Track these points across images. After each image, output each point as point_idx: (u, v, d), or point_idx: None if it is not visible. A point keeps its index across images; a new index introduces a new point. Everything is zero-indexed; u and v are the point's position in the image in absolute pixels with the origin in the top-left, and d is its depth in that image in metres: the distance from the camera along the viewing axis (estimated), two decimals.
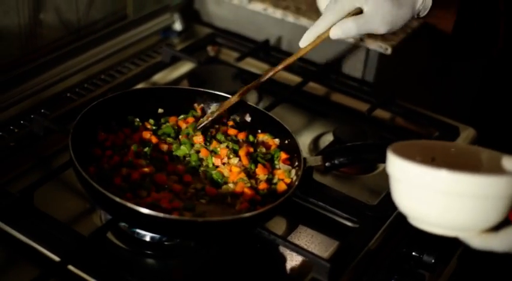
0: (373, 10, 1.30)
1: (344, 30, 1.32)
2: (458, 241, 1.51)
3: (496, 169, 1.01)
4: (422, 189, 0.97)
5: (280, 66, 1.40)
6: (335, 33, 1.32)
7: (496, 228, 0.98)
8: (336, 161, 1.38)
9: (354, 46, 1.87)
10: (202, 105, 1.50)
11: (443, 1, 1.40)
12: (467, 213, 0.96)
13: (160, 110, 1.48)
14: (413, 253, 1.42)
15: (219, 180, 1.33)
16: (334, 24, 1.32)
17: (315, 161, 1.38)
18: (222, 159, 1.37)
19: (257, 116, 1.48)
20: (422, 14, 1.38)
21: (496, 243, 0.97)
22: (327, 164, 1.37)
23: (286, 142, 1.42)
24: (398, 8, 1.32)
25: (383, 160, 1.50)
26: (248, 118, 1.49)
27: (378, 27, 1.32)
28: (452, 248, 1.59)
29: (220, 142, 1.40)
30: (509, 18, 1.47)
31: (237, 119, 1.49)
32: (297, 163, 1.38)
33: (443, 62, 2.25)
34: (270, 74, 1.42)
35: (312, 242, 1.35)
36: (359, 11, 1.32)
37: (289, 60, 1.40)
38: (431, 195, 0.96)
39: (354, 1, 1.31)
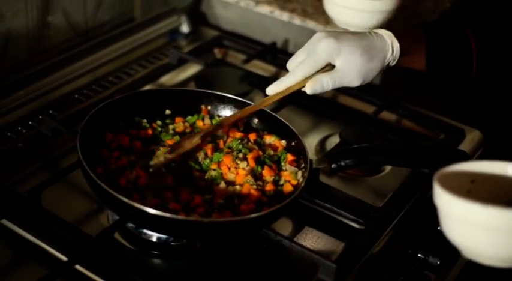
0: (346, 65, 1.34)
1: (322, 85, 1.34)
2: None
3: None
4: (466, 223, 0.96)
5: (237, 115, 1.42)
6: (313, 89, 1.35)
7: None
8: (342, 163, 1.38)
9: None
10: (209, 107, 1.51)
11: (410, 48, 1.43)
12: None
13: (167, 112, 1.48)
14: (419, 255, 1.42)
15: (217, 179, 1.34)
16: (305, 78, 1.35)
17: (321, 162, 1.38)
18: (229, 167, 1.37)
19: (264, 118, 1.48)
20: (392, 64, 1.41)
21: None
22: (333, 165, 1.38)
23: (293, 143, 1.43)
24: (369, 61, 1.36)
25: (388, 162, 1.51)
26: (255, 120, 1.49)
27: (351, 80, 1.35)
28: (457, 251, 1.59)
29: (232, 149, 1.40)
30: (479, 42, 1.48)
31: (244, 120, 1.49)
32: (303, 165, 1.38)
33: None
34: (231, 120, 1.42)
35: (318, 243, 1.35)
36: (330, 68, 1.35)
37: (248, 110, 1.41)
38: (477, 230, 0.95)
39: (326, 57, 1.34)
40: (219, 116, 1.50)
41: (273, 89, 1.37)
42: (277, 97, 1.37)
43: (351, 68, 1.34)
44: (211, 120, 1.49)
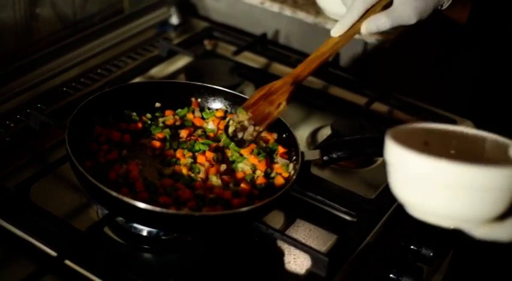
0: (404, 2, 1.32)
1: (378, 26, 1.33)
2: (456, 234, 1.51)
3: (500, 157, 0.97)
4: (421, 179, 0.94)
5: (308, 69, 1.40)
6: (370, 28, 1.34)
7: (501, 217, 0.94)
8: (334, 155, 1.37)
9: (352, 39, 1.86)
10: (199, 99, 1.49)
11: None
12: (470, 205, 0.92)
13: (157, 104, 1.47)
14: (412, 247, 1.41)
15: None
16: (364, 15, 1.34)
17: (312, 155, 1.38)
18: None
19: None
20: (445, 6, 1.38)
21: (502, 233, 0.94)
22: (324, 158, 1.37)
23: (284, 136, 1.42)
24: None
25: (381, 153, 1.50)
26: None
27: (409, 18, 1.33)
28: (450, 242, 1.59)
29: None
30: None
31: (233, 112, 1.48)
32: (294, 157, 1.37)
33: (443, 54, 2.25)
34: (303, 74, 1.40)
35: (310, 236, 1.34)
36: (387, 2, 1.34)
37: (316, 59, 1.39)
38: (431, 186, 0.93)
39: None
40: (209, 109, 1.49)
41: (338, 29, 1.36)
42: (344, 40, 1.37)
43: (407, 6, 1.32)
44: (201, 112, 1.47)
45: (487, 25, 1.50)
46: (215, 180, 1.29)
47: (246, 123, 1.35)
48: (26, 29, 1.65)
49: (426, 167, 0.92)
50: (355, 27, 1.36)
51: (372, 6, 1.34)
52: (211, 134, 1.43)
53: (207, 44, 1.91)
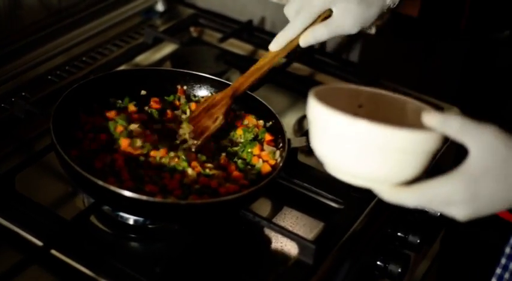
0: (343, 13, 1.32)
1: (316, 37, 1.34)
2: (442, 221, 1.52)
3: (418, 122, 0.99)
4: (337, 137, 0.96)
5: (248, 81, 1.40)
6: (306, 41, 1.34)
7: (410, 182, 0.97)
8: None
9: None
10: (185, 86, 1.49)
11: None
12: (381, 165, 0.95)
13: (143, 92, 1.46)
14: (399, 234, 1.41)
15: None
16: (306, 28, 1.34)
17: (299, 142, 1.37)
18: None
19: (240, 97, 1.47)
20: (392, 7, 1.38)
21: (407, 197, 0.96)
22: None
23: (271, 123, 1.41)
24: (368, 7, 1.33)
25: None
26: None
27: (349, 29, 1.34)
28: (437, 229, 1.59)
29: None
30: None
31: None
32: (281, 144, 1.37)
33: (430, 40, 2.25)
34: (242, 88, 1.40)
35: (297, 223, 1.34)
36: (327, 15, 1.34)
37: (262, 67, 1.40)
38: (346, 144, 0.95)
39: (324, 4, 1.32)
40: (195, 96, 1.49)
41: (277, 45, 1.37)
42: (283, 52, 1.37)
43: (350, 15, 1.32)
44: (186, 100, 1.47)
45: (438, 17, 1.51)
46: (191, 172, 1.28)
47: (186, 136, 1.36)
48: (9, 17, 1.64)
49: (342, 126, 0.95)
50: (293, 41, 1.36)
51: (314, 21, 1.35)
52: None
53: (193, 31, 1.90)
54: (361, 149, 0.94)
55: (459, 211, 0.94)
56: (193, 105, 1.44)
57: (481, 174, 0.91)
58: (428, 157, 0.96)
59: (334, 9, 1.33)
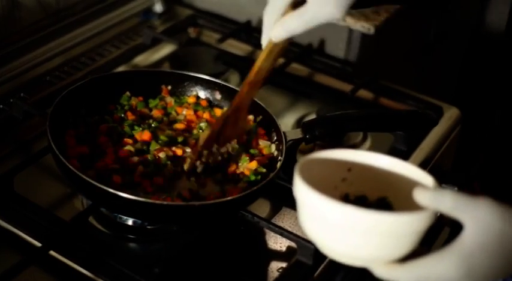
0: None
1: (287, 29, 1.13)
2: (444, 224, 1.52)
3: (409, 185, 0.96)
4: (325, 220, 0.92)
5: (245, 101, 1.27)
6: (277, 35, 1.14)
7: (405, 259, 0.93)
8: (317, 132, 1.36)
9: (337, 26, 1.85)
10: (169, 86, 1.48)
11: None
12: (372, 248, 0.91)
13: (127, 94, 1.45)
14: None
15: None
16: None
17: (295, 134, 1.37)
18: None
19: (227, 93, 1.47)
20: None
21: (402, 275, 0.92)
22: (307, 135, 1.36)
23: (261, 117, 1.41)
24: None
25: (363, 129, 1.51)
26: (218, 95, 1.47)
27: (330, 15, 1.09)
28: (437, 230, 1.59)
29: None
30: None
31: (209, 97, 1.48)
32: (275, 138, 1.37)
33: (429, 40, 2.25)
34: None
35: (296, 224, 1.34)
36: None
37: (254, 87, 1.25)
38: (334, 227, 0.91)
39: None
40: (181, 95, 1.48)
41: (263, 43, 1.20)
42: (269, 60, 1.21)
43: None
44: (173, 100, 1.46)
45: None
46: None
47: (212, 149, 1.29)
48: (8, 18, 1.63)
49: (328, 211, 0.91)
50: (268, 46, 1.19)
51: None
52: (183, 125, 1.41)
53: (191, 32, 1.90)
54: (350, 233, 0.90)
55: None
56: (179, 110, 1.44)
57: (476, 250, 0.88)
58: (421, 234, 0.92)
59: None
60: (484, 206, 0.88)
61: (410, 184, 0.96)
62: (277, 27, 1.14)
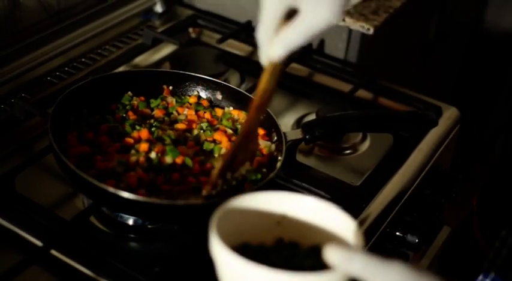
0: (311, 3, 1.02)
1: (284, 45, 1.05)
2: (442, 222, 1.52)
3: (334, 236, 0.94)
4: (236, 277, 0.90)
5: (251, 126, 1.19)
6: (277, 54, 1.06)
7: None
8: (317, 133, 1.37)
9: (336, 27, 1.86)
10: (171, 86, 1.49)
11: None
12: None
13: (129, 93, 1.46)
14: (397, 233, 1.42)
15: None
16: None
17: (295, 134, 1.37)
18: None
19: (228, 93, 1.48)
20: None
21: None
22: (307, 136, 1.37)
23: (261, 117, 1.41)
24: None
25: (362, 129, 1.51)
26: (219, 96, 1.48)
27: (328, 19, 1.02)
28: (435, 229, 1.60)
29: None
30: None
31: (211, 97, 1.49)
32: (276, 138, 1.37)
33: (428, 40, 2.25)
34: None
35: None
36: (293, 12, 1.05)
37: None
38: None
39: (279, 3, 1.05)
40: (182, 95, 1.49)
41: (264, 62, 1.13)
42: (272, 80, 1.16)
43: (319, 4, 1.01)
44: (175, 100, 1.47)
45: None
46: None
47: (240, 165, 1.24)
48: (9, 19, 1.64)
49: (236, 271, 0.89)
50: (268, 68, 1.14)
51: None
52: (184, 125, 1.41)
53: (192, 32, 1.91)
54: None
55: None
56: (180, 110, 1.44)
57: None
58: None
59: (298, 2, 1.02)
60: (396, 271, 0.84)
61: (337, 230, 0.95)
62: (275, 45, 1.06)
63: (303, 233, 0.99)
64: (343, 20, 1.82)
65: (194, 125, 1.40)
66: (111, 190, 1.16)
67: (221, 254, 0.91)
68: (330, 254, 0.87)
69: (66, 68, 1.69)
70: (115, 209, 1.28)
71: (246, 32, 1.89)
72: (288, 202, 0.99)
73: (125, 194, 1.16)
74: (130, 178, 1.24)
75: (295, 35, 1.03)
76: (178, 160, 1.29)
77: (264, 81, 1.15)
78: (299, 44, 1.04)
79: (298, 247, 0.98)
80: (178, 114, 1.43)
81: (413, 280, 0.84)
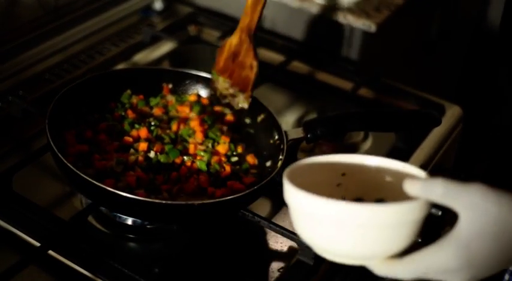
0: None
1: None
2: (444, 222, 1.51)
3: (401, 186, 0.94)
4: (317, 220, 0.91)
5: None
6: None
7: (403, 254, 0.92)
8: (318, 132, 1.35)
9: (338, 24, 1.85)
10: (171, 84, 1.47)
11: None
12: (367, 243, 0.90)
13: (128, 92, 1.45)
14: None
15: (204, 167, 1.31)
16: None
17: (296, 133, 1.36)
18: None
19: None
20: None
21: (401, 271, 0.91)
22: (308, 135, 1.35)
23: (262, 115, 1.40)
24: None
25: (364, 128, 1.50)
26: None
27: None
28: (437, 228, 1.58)
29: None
30: None
31: (210, 95, 1.47)
32: (277, 137, 1.36)
33: (431, 38, 2.24)
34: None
35: None
36: None
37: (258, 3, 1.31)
38: (328, 226, 0.90)
39: None
40: (182, 93, 1.47)
41: None
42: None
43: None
44: (175, 98, 1.45)
45: None
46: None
47: (231, 91, 1.30)
48: (6, 15, 1.63)
49: (319, 208, 0.89)
50: None
51: None
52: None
53: (191, 30, 1.90)
54: (343, 230, 0.89)
55: (457, 278, 0.89)
56: (179, 108, 1.43)
57: (474, 238, 0.86)
58: (416, 224, 0.91)
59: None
60: (477, 192, 0.86)
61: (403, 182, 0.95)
62: None
63: (365, 191, 1.00)
64: (345, 17, 1.80)
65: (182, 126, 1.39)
66: (110, 189, 1.15)
67: (298, 195, 0.92)
68: (410, 185, 0.89)
69: (64, 66, 1.67)
70: (114, 209, 1.26)
71: None
72: (349, 162, 1.01)
73: (124, 194, 1.14)
74: (129, 177, 1.23)
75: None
76: (178, 160, 1.28)
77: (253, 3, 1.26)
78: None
79: (363, 201, 1.00)
80: (178, 112, 1.42)
81: (494, 200, 0.85)
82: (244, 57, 1.30)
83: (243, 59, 1.30)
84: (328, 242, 0.92)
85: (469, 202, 0.86)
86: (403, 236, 0.90)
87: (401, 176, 0.96)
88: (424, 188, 0.88)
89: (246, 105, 1.33)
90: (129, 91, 1.44)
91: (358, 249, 0.91)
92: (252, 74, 1.30)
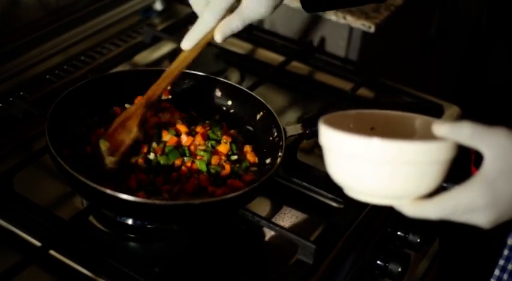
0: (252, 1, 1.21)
1: (232, 28, 1.23)
2: (442, 222, 1.51)
3: (428, 135, 0.98)
4: (352, 158, 0.95)
5: (158, 88, 1.32)
6: (224, 35, 1.24)
7: (431, 196, 0.96)
8: (317, 128, 1.36)
9: (337, 24, 1.85)
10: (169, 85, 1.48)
11: None
12: (399, 181, 0.94)
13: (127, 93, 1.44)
14: (399, 233, 1.41)
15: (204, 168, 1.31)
16: (217, 20, 1.24)
17: (295, 129, 1.36)
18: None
19: (227, 90, 1.47)
20: None
21: (430, 210, 0.95)
22: (307, 131, 1.36)
23: (262, 112, 1.40)
24: None
25: None
26: (218, 93, 1.47)
27: (264, 11, 1.24)
28: (436, 228, 1.59)
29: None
30: None
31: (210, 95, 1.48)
32: (276, 134, 1.36)
33: (429, 38, 2.24)
34: (156, 94, 1.32)
35: (297, 223, 1.34)
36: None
37: (172, 72, 1.32)
38: (363, 164, 0.94)
39: None
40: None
41: (187, 44, 1.29)
42: (195, 52, 1.30)
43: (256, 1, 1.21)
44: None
45: None
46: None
47: (104, 154, 1.27)
48: (7, 16, 1.63)
49: (354, 145, 0.94)
50: (206, 37, 1.27)
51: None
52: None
53: None
54: (376, 167, 0.93)
55: (482, 218, 0.93)
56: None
57: (498, 176, 0.90)
58: (444, 166, 0.95)
59: None
60: (502, 134, 0.90)
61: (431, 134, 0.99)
62: (225, 26, 1.23)
63: (395, 133, 1.02)
64: (344, 18, 1.81)
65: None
66: (110, 192, 1.15)
67: (335, 135, 0.96)
68: (439, 127, 0.93)
69: (65, 66, 1.68)
70: (114, 212, 1.27)
71: (246, 29, 1.88)
72: (378, 115, 1.06)
73: (124, 196, 1.14)
74: (129, 179, 1.23)
75: (238, 21, 1.23)
76: (178, 161, 1.28)
77: (166, 76, 1.32)
78: (240, 28, 1.24)
79: None
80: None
81: None
82: (131, 121, 1.30)
83: (128, 123, 1.30)
84: (362, 181, 0.96)
85: (494, 142, 0.90)
86: (432, 176, 0.94)
87: (428, 128, 0.99)
88: (452, 130, 0.92)
89: (112, 166, 1.27)
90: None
91: (390, 187, 0.95)
92: (128, 138, 1.28)
